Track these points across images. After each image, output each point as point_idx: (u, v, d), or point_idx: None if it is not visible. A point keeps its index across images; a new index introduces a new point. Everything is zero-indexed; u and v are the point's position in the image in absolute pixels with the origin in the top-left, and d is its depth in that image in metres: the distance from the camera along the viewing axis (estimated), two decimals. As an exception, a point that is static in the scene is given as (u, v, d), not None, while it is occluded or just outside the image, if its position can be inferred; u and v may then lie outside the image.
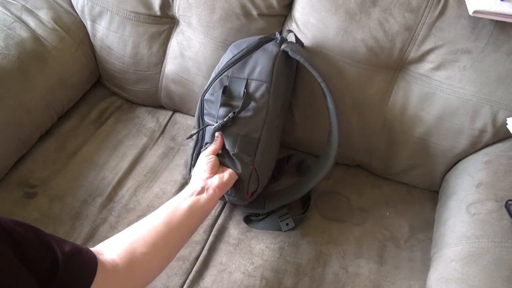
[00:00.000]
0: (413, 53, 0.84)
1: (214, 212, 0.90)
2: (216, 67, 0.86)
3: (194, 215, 0.71)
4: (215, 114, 0.80)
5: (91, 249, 0.59)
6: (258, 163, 0.81)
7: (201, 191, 0.73)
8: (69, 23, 1.01)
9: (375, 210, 0.95)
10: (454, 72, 0.82)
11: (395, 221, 0.93)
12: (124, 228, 0.85)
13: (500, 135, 0.85)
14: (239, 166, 0.79)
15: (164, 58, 1.02)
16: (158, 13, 0.96)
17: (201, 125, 0.85)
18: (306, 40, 0.89)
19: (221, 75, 0.82)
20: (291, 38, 0.88)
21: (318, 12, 0.85)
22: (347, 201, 0.96)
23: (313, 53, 0.89)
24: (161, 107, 1.11)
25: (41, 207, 0.88)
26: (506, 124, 0.81)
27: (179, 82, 1.03)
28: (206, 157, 0.78)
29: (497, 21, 0.77)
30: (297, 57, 0.80)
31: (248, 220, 0.90)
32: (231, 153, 0.79)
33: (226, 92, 0.80)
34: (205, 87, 0.83)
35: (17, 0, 0.97)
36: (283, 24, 0.94)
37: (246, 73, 0.81)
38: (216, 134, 0.80)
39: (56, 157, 0.97)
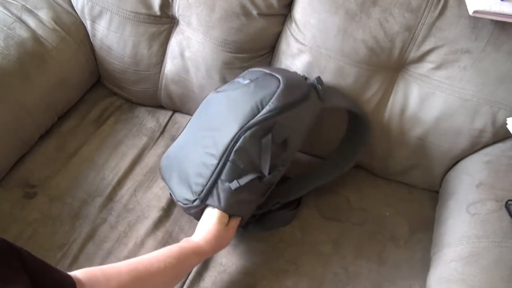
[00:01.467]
0: (413, 53, 0.84)
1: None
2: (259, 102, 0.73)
3: (180, 274, 0.72)
4: (257, 160, 0.72)
5: (74, 275, 0.57)
6: (259, 201, 0.81)
7: (196, 250, 0.71)
8: (69, 23, 1.01)
9: (375, 210, 0.95)
10: (454, 72, 0.82)
11: (395, 221, 0.93)
12: (124, 229, 0.86)
13: (500, 135, 0.85)
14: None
15: (164, 58, 1.02)
16: (158, 13, 0.96)
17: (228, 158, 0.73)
18: (306, 41, 0.89)
19: (271, 116, 0.71)
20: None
21: (318, 12, 0.85)
22: (347, 201, 0.96)
23: (313, 53, 0.89)
24: (161, 107, 1.11)
25: (41, 207, 0.88)
26: (506, 124, 0.81)
27: (179, 82, 1.03)
28: (219, 224, 0.74)
29: (497, 21, 0.77)
30: (342, 105, 0.84)
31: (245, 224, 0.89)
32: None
33: (273, 142, 0.72)
34: (245, 122, 0.71)
35: (17, 0, 0.97)
36: (283, 24, 0.94)
37: (293, 128, 0.75)
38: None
39: (56, 157, 0.97)
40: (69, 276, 0.55)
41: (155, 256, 0.67)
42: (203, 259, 0.76)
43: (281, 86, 0.75)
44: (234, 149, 0.71)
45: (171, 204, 0.91)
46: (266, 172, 0.72)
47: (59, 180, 0.93)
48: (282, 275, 0.82)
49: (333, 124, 0.96)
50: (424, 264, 0.84)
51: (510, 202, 0.75)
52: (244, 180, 0.72)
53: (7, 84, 0.88)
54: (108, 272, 0.61)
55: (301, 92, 0.76)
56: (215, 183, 0.73)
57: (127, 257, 0.82)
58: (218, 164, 0.72)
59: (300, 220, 0.91)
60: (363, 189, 0.99)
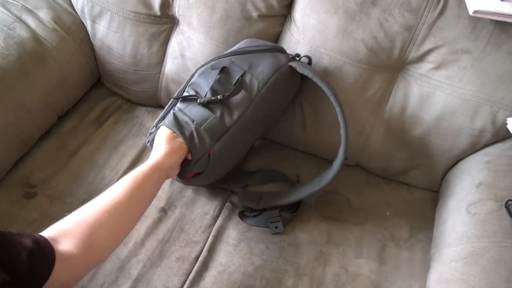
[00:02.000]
0: (413, 53, 0.84)
1: (212, 213, 0.90)
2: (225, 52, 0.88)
3: (148, 196, 0.71)
4: (205, 88, 0.82)
5: (47, 235, 0.58)
6: (214, 152, 0.79)
7: (158, 169, 0.71)
8: (69, 23, 1.01)
9: (375, 210, 0.95)
10: (454, 72, 0.82)
11: (395, 221, 0.93)
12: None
13: (500, 135, 0.85)
14: (196, 142, 0.77)
15: (164, 58, 1.02)
16: (158, 13, 0.96)
17: (183, 91, 0.85)
18: (305, 41, 0.89)
19: (226, 56, 0.85)
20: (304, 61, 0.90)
21: (318, 12, 0.85)
22: (347, 201, 0.96)
23: (313, 53, 0.89)
24: (161, 107, 1.11)
25: (41, 207, 0.88)
26: (506, 124, 0.81)
27: (179, 82, 1.03)
28: (164, 133, 0.77)
29: (497, 21, 0.77)
30: (305, 72, 0.83)
31: (242, 215, 0.90)
32: (194, 126, 0.78)
33: (224, 72, 0.83)
34: (204, 63, 0.85)
35: (17, 0, 0.97)
36: (282, 24, 0.94)
37: (247, 66, 0.83)
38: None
39: (56, 157, 0.97)
40: (44, 238, 0.56)
41: (122, 192, 0.66)
42: (163, 173, 0.74)
43: (246, 39, 0.90)
44: (189, 82, 0.86)
45: (171, 204, 0.91)
46: (204, 94, 0.82)
47: (59, 180, 0.93)
48: (282, 275, 0.82)
49: (333, 126, 0.96)
50: (424, 264, 0.84)
51: (510, 202, 0.75)
52: (181, 95, 0.84)
53: (7, 84, 0.88)
54: (79, 224, 0.61)
55: (261, 47, 0.87)
56: (170, 109, 0.84)
57: (128, 257, 0.82)
58: (177, 94, 0.86)
59: (300, 220, 0.91)
60: (363, 189, 0.99)
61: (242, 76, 0.82)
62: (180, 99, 0.83)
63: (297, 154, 1.04)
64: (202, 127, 0.78)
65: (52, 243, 0.56)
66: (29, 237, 0.54)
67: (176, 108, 0.83)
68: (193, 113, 0.80)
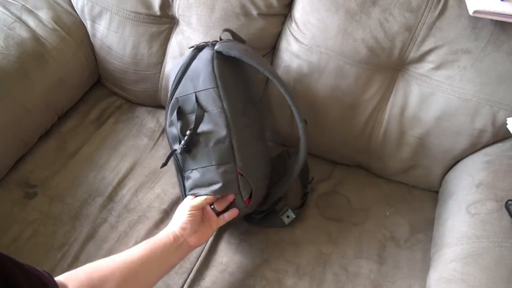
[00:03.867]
0: (413, 53, 0.84)
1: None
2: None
3: (160, 263, 0.71)
4: (179, 138, 0.79)
5: (57, 279, 0.58)
6: (241, 167, 0.78)
7: (176, 241, 0.72)
8: (69, 23, 1.01)
9: (375, 210, 0.95)
10: (454, 72, 0.82)
11: (395, 221, 0.93)
12: (125, 229, 0.86)
13: (500, 135, 0.85)
14: (223, 176, 0.77)
15: (164, 58, 1.02)
16: (158, 13, 0.96)
17: (170, 157, 0.82)
18: (306, 40, 0.89)
19: (171, 100, 0.81)
20: (227, 36, 0.86)
21: (318, 11, 0.85)
22: (347, 201, 0.96)
23: (313, 53, 0.89)
24: (161, 107, 1.11)
25: (41, 207, 0.88)
26: (506, 124, 0.81)
27: (179, 82, 1.03)
28: (190, 209, 0.75)
29: (497, 21, 0.77)
30: (233, 53, 0.77)
31: (249, 218, 0.89)
32: (213, 168, 0.77)
33: (181, 113, 0.79)
34: (165, 119, 0.82)
35: (17, 0, 0.97)
36: (283, 23, 0.94)
37: (192, 87, 0.79)
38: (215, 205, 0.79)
39: (56, 157, 0.97)
40: (53, 280, 0.56)
41: (137, 253, 0.68)
42: (185, 250, 0.75)
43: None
44: (171, 144, 0.85)
45: (173, 205, 0.91)
46: (177, 146, 0.80)
47: (59, 180, 0.93)
48: (282, 275, 0.82)
49: (333, 126, 0.96)
50: (424, 264, 0.84)
51: (510, 202, 0.75)
52: (168, 158, 0.81)
53: (7, 84, 0.88)
54: (90, 273, 0.62)
55: (184, 59, 0.82)
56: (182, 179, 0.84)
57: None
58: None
59: (300, 220, 0.91)
60: (363, 189, 0.99)
61: (196, 98, 0.78)
62: (170, 162, 0.81)
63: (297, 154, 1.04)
64: (214, 163, 0.77)
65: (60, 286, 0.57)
66: (37, 277, 0.53)
67: (186, 175, 0.81)
68: (199, 163, 0.78)
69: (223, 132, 0.77)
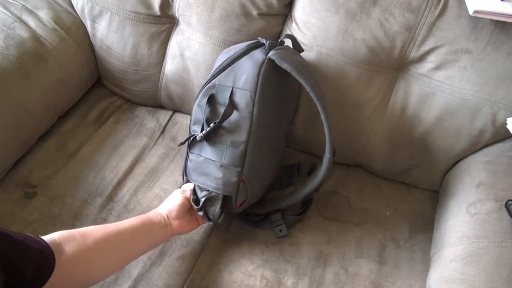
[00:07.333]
0: (413, 53, 0.84)
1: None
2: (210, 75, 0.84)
3: (147, 237, 0.77)
4: (203, 123, 0.79)
5: (52, 238, 0.63)
6: (246, 175, 0.78)
7: (161, 222, 0.78)
8: (69, 23, 1.01)
9: (375, 210, 0.95)
10: (454, 72, 0.82)
11: (395, 221, 0.93)
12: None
13: (500, 135, 0.85)
14: (226, 176, 0.78)
15: (164, 58, 1.02)
16: (158, 13, 0.96)
17: (189, 134, 0.83)
18: (306, 40, 0.89)
19: (209, 82, 0.80)
20: (288, 43, 0.86)
21: (319, 11, 0.85)
22: (347, 201, 0.96)
23: (313, 53, 0.89)
24: (161, 107, 1.11)
25: (41, 207, 0.88)
26: (506, 124, 0.81)
27: (178, 82, 1.03)
28: (181, 197, 0.81)
29: (497, 21, 0.77)
30: (284, 66, 0.76)
31: (246, 219, 0.90)
32: (219, 164, 0.78)
33: (212, 100, 0.79)
34: (196, 96, 0.83)
35: (17, 0, 0.97)
36: (283, 23, 0.94)
37: (232, 81, 0.78)
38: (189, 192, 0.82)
39: (56, 157, 0.97)
40: (48, 247, 0.60)
41: (128, 225, 0.74)
42: (168, 232, 0.79)
43: (221, 53, 0.86)
44: (191, 122, 0.84)
45: (171, 204, 0.91)
46: (200, 129, 0.80)
47: (59, 180, 0.93)
48: (282, 275, 0.82)
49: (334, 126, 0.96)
50: (424, 264, 0.84)
51: (510, 202, 0.75)
52: (187, 139, 0.82)
53: (7, 84, 0.88)
54: (85, 236, 0.67)
55: (237, 51, 0.81)
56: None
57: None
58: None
59: (300, 220, 0.91)
60: (363, 189, 0.99)
61: (231, 94, 0.78)
62: (187, 144, 0.83)
63: (297, 154, 1.04)
64: (224, 161, 0.77)
65: (54, 249, 0.61)
66: (37, 244, 0.59)
67: (191, 156, 0.82)
68: (208, 154, 0.79)
69: (242, 136, 0.77)
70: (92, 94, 1.12)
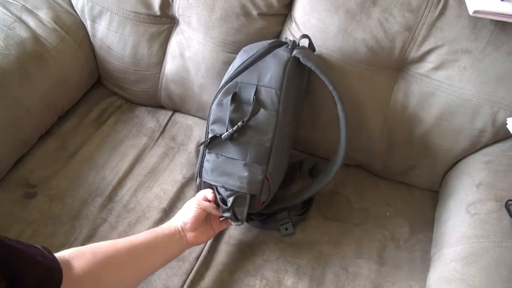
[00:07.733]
0: (413, 53, 0.84)
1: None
2: (226, 74, 0.84)
3: (161, 251, 0.73)
4: (225, 122, 0.78)
5: (62, 256, 0.60)
6: (270, 173, 0.78)
7: (175, 235, 0.75)
8: (69, 23, 1.01)
9: (375, 210, 0.95)
10: (454, 72, 0.82)
11: (395, 221, 0.93)
12: (125, 229, 0.86)
13: (500, 135, 0.85)
14: (251, 175, 0.77)
15: (164, 58, 1.02)
16: (158, 13, 0.96)
17: (207, 134, 0.82)
18: (306, 39, 0.89)
19: (231, 81, 0.80)
20: (303, 43, 0.86)
21: (318, 12, 0.85)
22: (347, 201, 0.96)
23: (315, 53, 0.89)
24: (161, 107, 1.11)
25: (41, 207, 0.88)
26: (506, 124, 0.81)
27: (179, 82, 1.03)
28: (196, 207, 0.77)
29: (497, 21, 0.77)
30: (309, 64, 0.78)
31: (249, 218, 0.89)
32: (243, 163, 0.77)
33: (236, 99, 0.78)
34: (215, 95, 0.81)
35: (17, 0, 0.97)
36: (283, 23, 0.94)
37: (256, 79, 0.78)
38: (211, 195, 0.79)
39: (56, 157, 0.97)
40: (57, 264, 0.57)
41: (140, 240, 0.71)
42: (183, 244, 0.76)
43: (240, 52, 0.85)
44: (210, 122, 0.81)
45: (172, 204, 0.91)
46: (225, 128, 0.78)
47: (59, 180, 0.93)
48: (282, 275, 0.82)
49: (334, 126, 0.96)
50: (424, 264, 0.84)
51: (510, 202, 0.75)
52: (205, 140, 0.80)
53: (7, 84, 0.88)
54: (95, 252, 0.64)
55: (260, 49, 0.81)
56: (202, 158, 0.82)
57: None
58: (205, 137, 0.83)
59: (300, 220, 0.91)
60: (363, 189, 0.99)
61: (256, 92, 0.78)
62: (206, 145, 0.80)
63: (297, 154, 1.04)
64: (248, 160, 0.77)
65: (63, 266, 0.58)
66: (45, 259, 0.56)
67: (208, 157, 0.80)
68: (230, 153, 0.78)
69: (269, 134, 0.77)
70: (92, 94, 1.12)
